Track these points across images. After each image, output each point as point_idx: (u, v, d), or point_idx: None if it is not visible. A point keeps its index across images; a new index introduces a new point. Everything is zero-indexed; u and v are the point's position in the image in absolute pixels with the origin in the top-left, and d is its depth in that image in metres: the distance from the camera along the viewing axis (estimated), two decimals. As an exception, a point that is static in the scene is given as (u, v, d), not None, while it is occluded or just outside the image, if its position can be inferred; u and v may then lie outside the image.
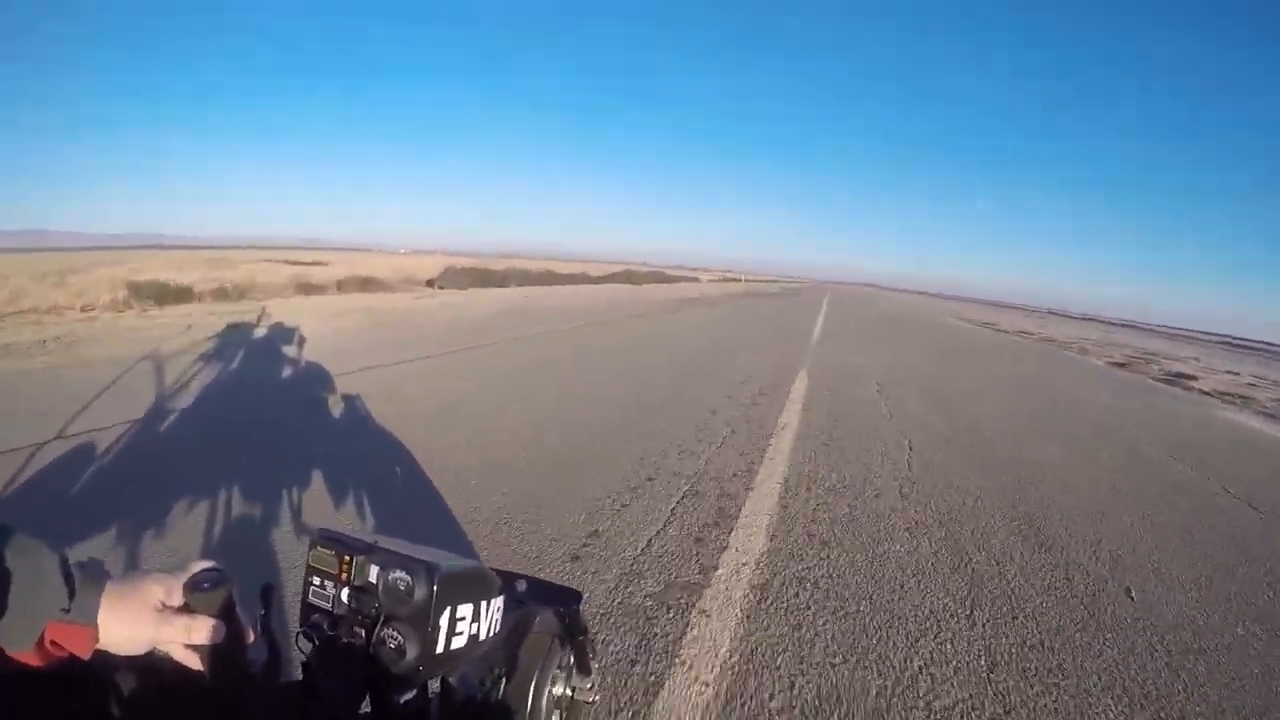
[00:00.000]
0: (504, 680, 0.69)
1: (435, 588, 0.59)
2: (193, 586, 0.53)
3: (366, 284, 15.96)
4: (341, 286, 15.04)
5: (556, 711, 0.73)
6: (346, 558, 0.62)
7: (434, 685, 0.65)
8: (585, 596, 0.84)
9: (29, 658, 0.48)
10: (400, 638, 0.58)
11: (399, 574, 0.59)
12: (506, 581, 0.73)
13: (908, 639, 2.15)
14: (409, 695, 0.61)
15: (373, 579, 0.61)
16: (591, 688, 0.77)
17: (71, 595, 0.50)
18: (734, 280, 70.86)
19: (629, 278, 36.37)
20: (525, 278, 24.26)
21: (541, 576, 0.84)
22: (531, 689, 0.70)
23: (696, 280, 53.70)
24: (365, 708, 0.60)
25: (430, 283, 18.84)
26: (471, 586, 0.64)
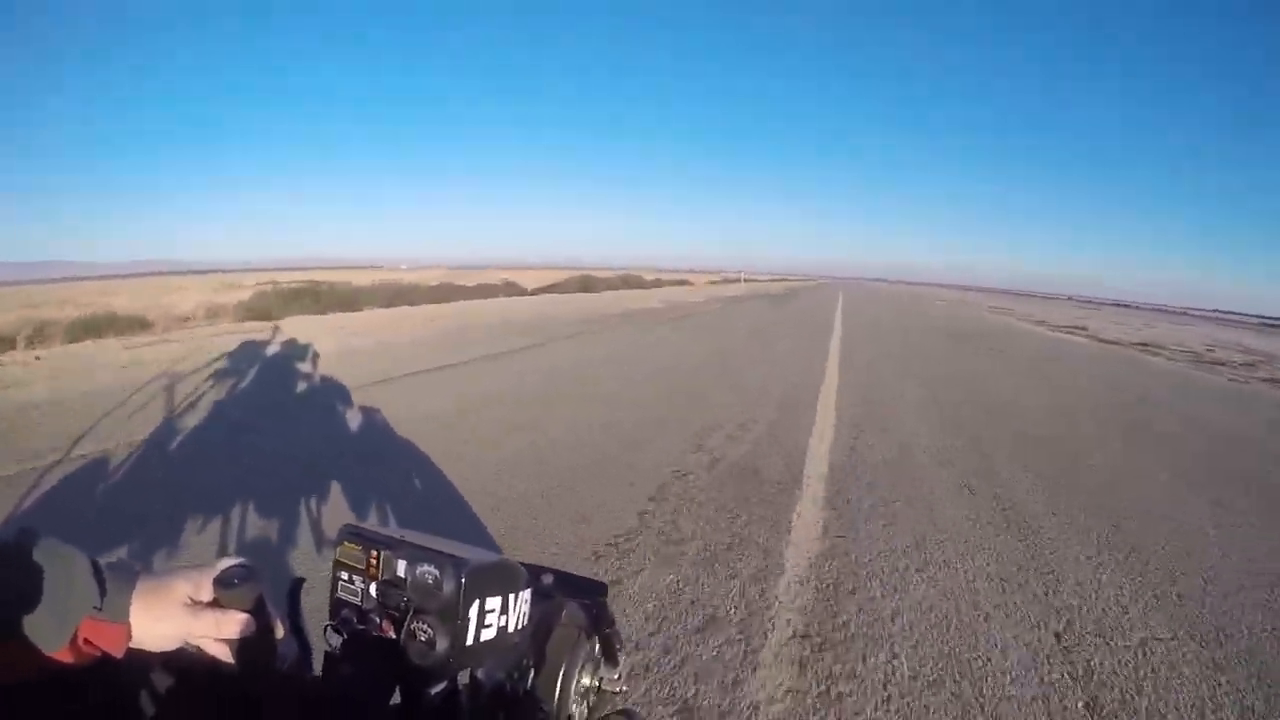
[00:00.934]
0: (532, 672, 0.69)
1: (464, 581, 0.59)
2: (222, 582, 0.54)
3: (107, 327, 10.30)
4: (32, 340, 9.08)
5: (584, 702, 0.73)
6: (374, 553, 0.63)
7: (463, 678, 0.65)
8: (611, 588, 0.83)
9: (63, 656, 0.49)
10: (430, 631, 0.59)
11: (427, 568, 0.60)
12: (533, 574, 0.73)
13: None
14: (439, 687, 0.61)
15: (401, 573, 0.61)
16: (619, 678, 0.77)
17: (103, 594, 0.51)
18: (733, 281, 62.67)
19: (584, 285, 29.17)
20: (402, 295, 17.44)
21: (568, 569, 0.83)
22: (559, 680, 0.70)
23: (688, 283, 47.11)
24: (395, 700, 0.60)
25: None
26: (499, 579, 0.64)
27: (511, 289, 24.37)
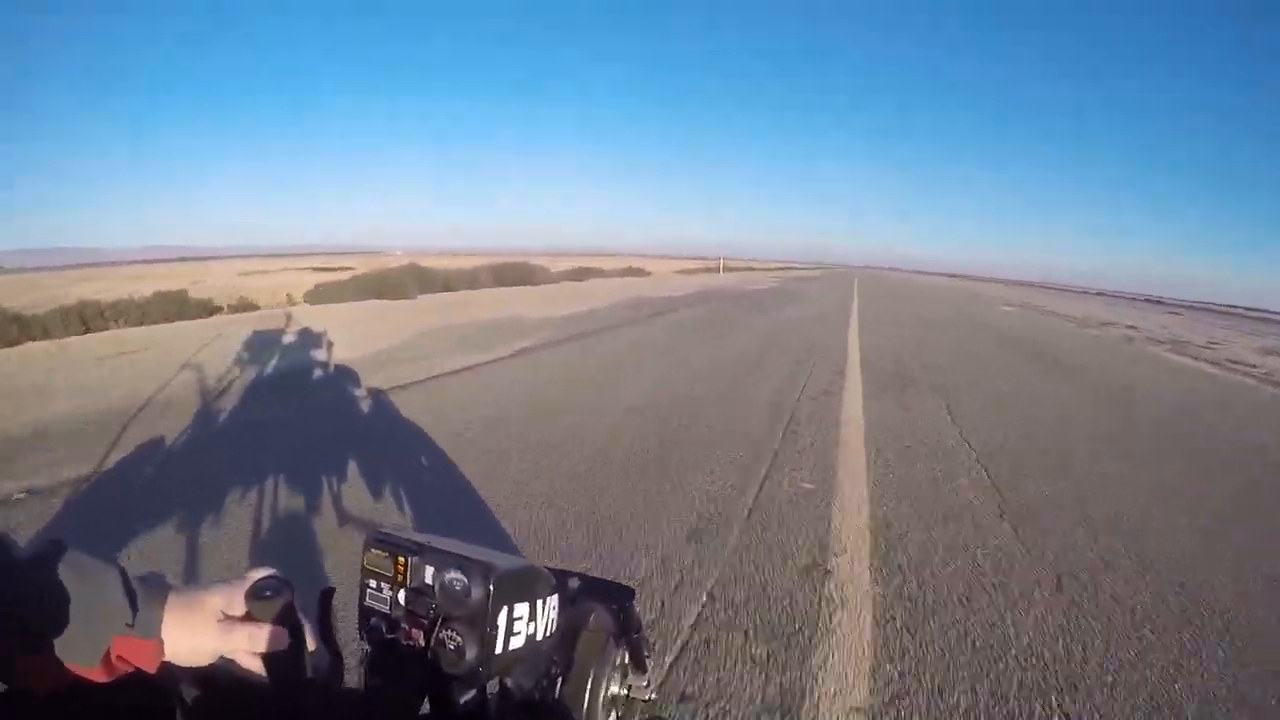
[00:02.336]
0: (560, 680, 0.69)
1: (492, 588, 0.59)
2: (254, 595, 0.54)
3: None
4: None
5: (613, 711, 0.73)
6: (401, 559, 0.62)
7: (492, 686, 0.64)
8: (638, 593, 0.75)
9: (95, 673, 0.49)
10: (459, 638, 0.59)
11: (455, 574, 0.60)
12: (560, 580, 0.73)
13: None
14: (468, 696, 0.61)
15: (429, 580, 0.61)
16: (647, 685, 0.77)
17: (134, 610, 0.51)
18: (710, 270, 43.95)
19: (380, 286, 15.01)
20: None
21: (595, 574, 0.80)
22: (588, 688, 0.70)
23: (642, 273, 31.71)
24: (425, 709, 0.60)
25: None
26: (527, 586, 0.64)
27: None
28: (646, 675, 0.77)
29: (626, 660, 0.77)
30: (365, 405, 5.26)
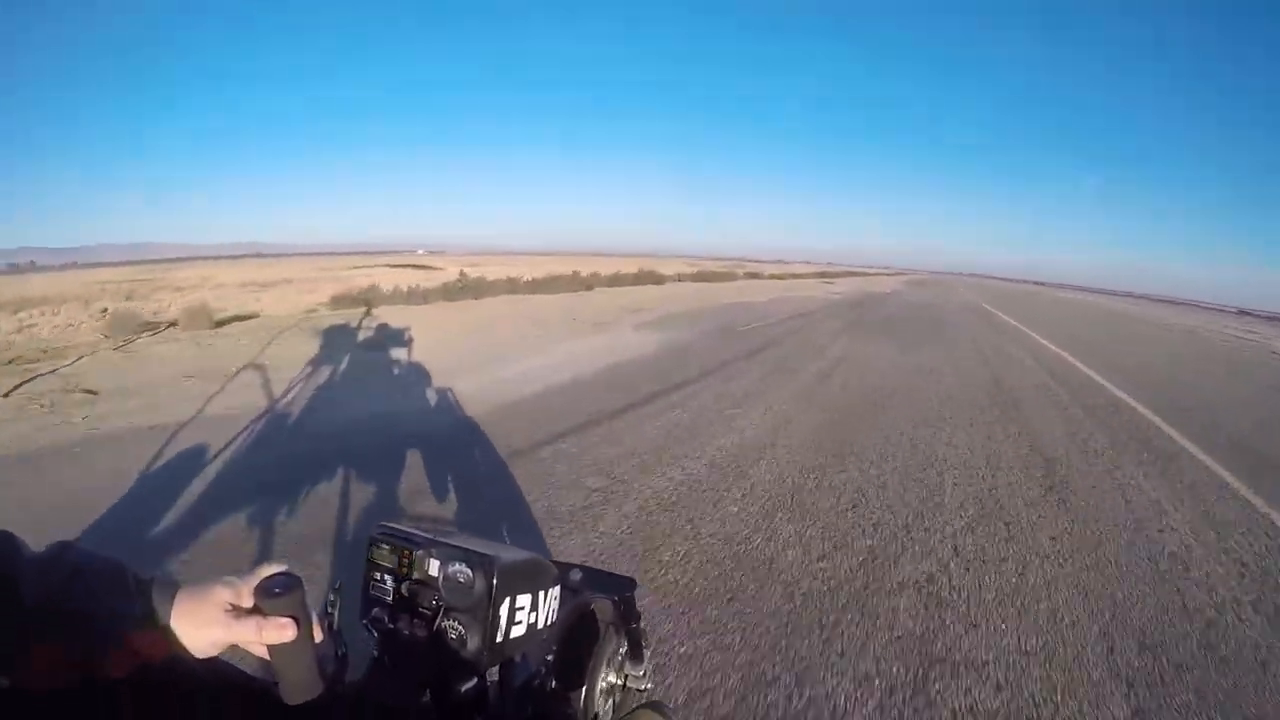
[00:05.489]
0: (559, 668, 0.70)
1: (494, 580, 0.61)
2: (264, 591, 0.55)
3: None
4: None
5: (610, 699, 0.75)
6: (406, 552, 0.64)
7: (492, 674, 0.66)
8: (639, 584, 0.84)
9: (105, 665, 0.51)
10: (461, 628, 0.60)
11: (458, 567, 0.61)
12: (562, 571, 0.74)
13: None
14: (469, 684, 0.62)
15: (433, 572, 0.63)
16: (643, 675, 0.78)
17: (143, 604, 0.53)
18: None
19: None
20: None
21: (596, 565, 0.86)
22: (586, 677, 0.72)
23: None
24: (426, 697, 0.62)
25: None
26: (529, 577, 0.65)
27: None
28: (643, 665, 0.78)
29: (624, 650, 0.78)
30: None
